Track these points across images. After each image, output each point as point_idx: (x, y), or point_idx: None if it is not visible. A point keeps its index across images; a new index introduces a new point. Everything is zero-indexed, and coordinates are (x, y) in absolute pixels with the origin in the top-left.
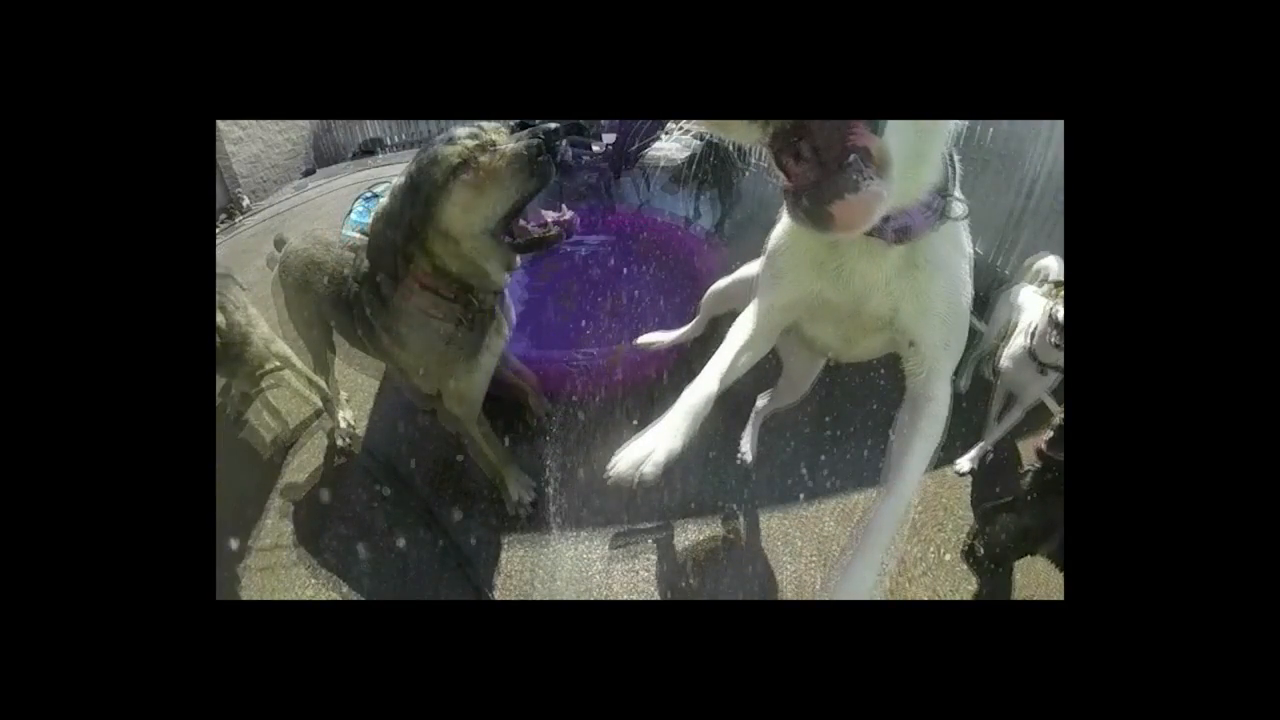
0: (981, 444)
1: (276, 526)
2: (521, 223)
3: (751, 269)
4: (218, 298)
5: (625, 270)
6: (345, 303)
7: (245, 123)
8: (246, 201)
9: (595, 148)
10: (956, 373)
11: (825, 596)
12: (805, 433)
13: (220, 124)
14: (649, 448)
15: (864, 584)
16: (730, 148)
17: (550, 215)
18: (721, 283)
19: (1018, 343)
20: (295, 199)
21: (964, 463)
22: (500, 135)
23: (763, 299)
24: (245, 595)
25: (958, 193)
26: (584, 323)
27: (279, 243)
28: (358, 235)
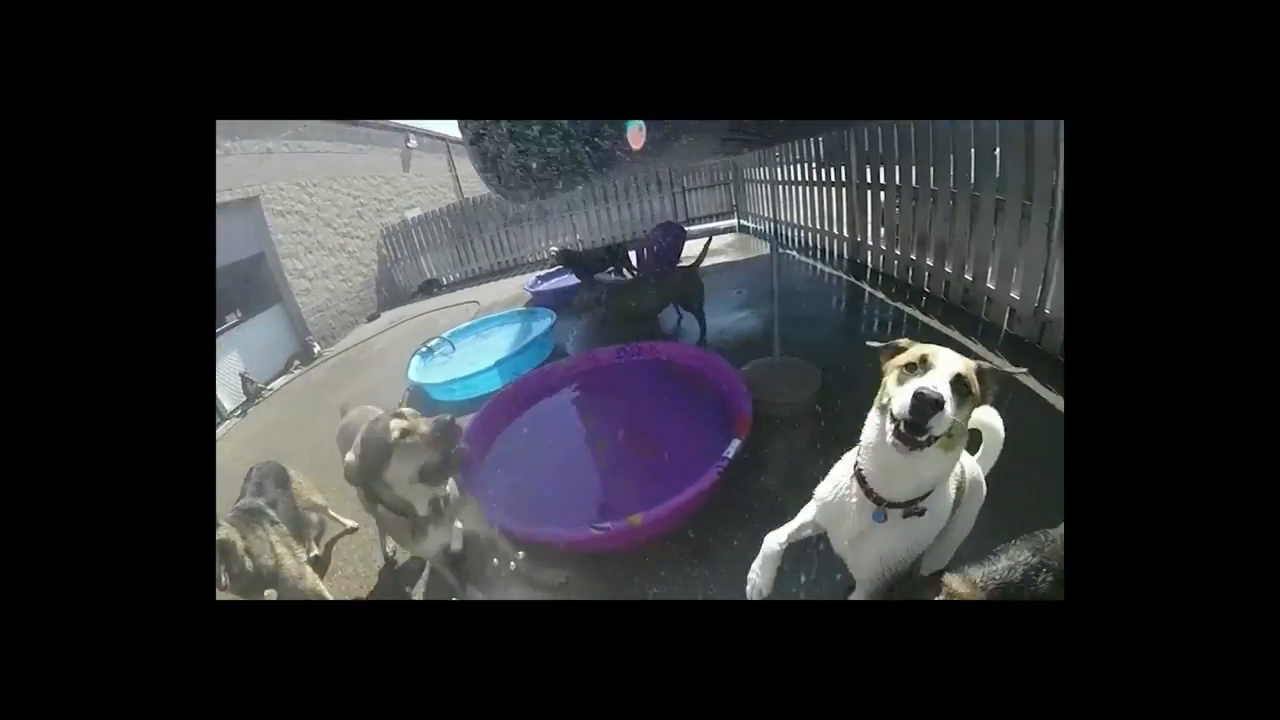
0: None
1: None
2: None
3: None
4: (240, 536)
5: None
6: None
7: (310, 273)
8: (318, 348)
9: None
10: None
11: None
12: None
13: (287, 275)
14: (751, 582)
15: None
16: None
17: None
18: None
19: None
20: (361, 347)
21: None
22: (418, 420)
23: (807, 510)
24: None
25: (942, 500)
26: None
27: (343, 410)
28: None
